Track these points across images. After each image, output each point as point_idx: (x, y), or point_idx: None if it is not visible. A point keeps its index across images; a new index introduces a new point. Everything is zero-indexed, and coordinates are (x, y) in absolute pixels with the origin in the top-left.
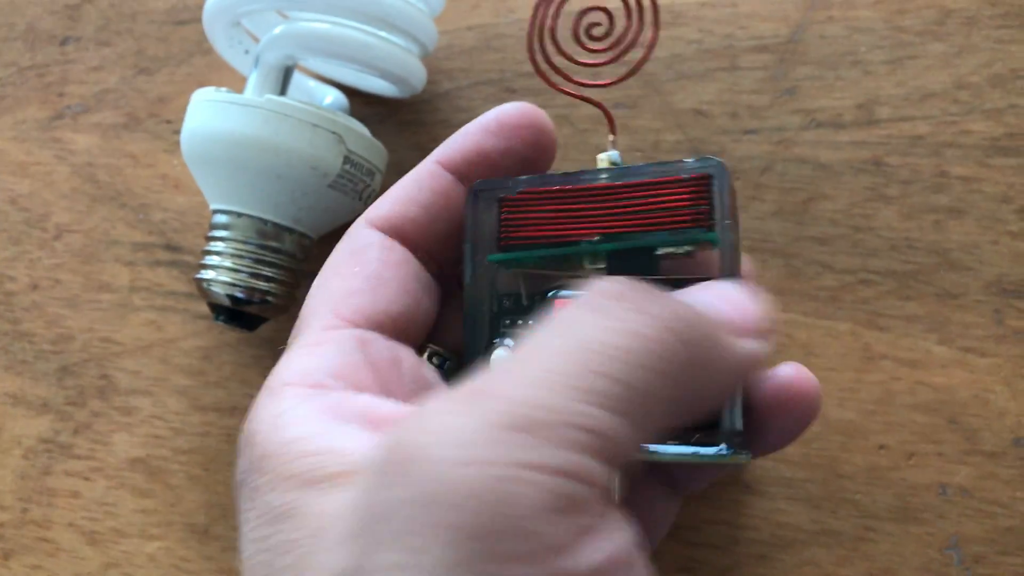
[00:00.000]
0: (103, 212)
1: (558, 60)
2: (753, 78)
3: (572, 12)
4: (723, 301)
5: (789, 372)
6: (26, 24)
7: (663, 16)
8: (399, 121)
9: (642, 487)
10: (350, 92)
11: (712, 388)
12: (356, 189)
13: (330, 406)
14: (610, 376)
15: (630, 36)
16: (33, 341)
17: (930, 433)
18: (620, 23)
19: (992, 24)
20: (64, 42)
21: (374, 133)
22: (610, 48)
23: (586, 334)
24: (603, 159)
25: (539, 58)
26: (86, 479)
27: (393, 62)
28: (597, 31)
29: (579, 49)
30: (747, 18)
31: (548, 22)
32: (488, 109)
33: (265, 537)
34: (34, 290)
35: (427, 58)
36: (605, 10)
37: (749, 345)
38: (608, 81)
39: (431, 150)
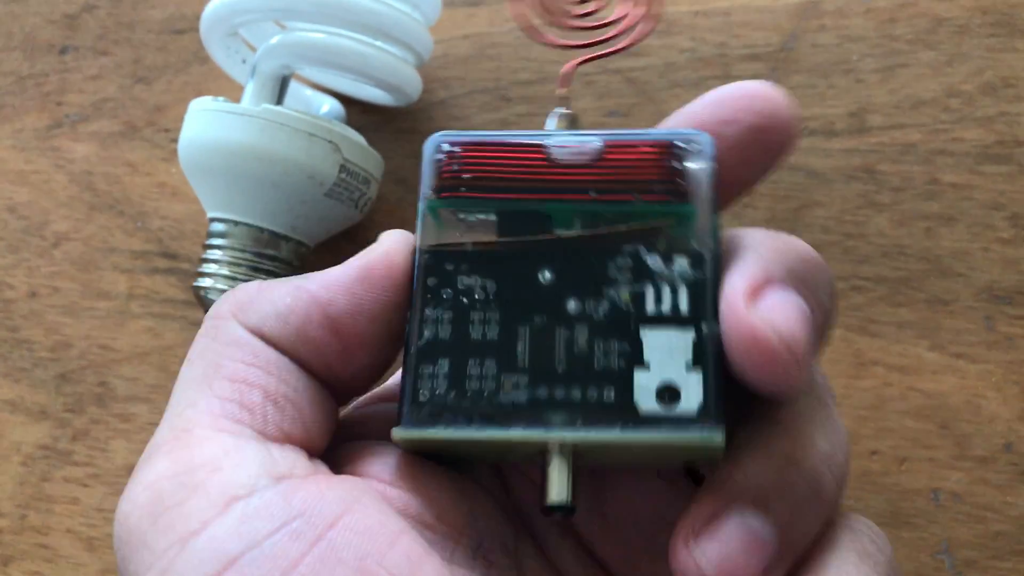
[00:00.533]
0: (101, 220)
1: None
2: None
3: None
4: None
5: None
6: (25, 33)
7: (657, 25)
8: (395, 129)
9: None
10: (346, 101)
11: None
12: (352, 198)
13: None
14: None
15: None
16: (31, 348)
17: (922, 439)
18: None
19: (983, 33)
20: (63, 51)
21: (370, 142)
22: (597, 14)
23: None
24: (555, 115)
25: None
26: (85, 485)
27: (388, 71)
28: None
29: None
30: (740, 27)
31: None
32: (483, 117)
33: None
34: (32, 298)
35: (423, 67)
36: None
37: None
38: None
39: None
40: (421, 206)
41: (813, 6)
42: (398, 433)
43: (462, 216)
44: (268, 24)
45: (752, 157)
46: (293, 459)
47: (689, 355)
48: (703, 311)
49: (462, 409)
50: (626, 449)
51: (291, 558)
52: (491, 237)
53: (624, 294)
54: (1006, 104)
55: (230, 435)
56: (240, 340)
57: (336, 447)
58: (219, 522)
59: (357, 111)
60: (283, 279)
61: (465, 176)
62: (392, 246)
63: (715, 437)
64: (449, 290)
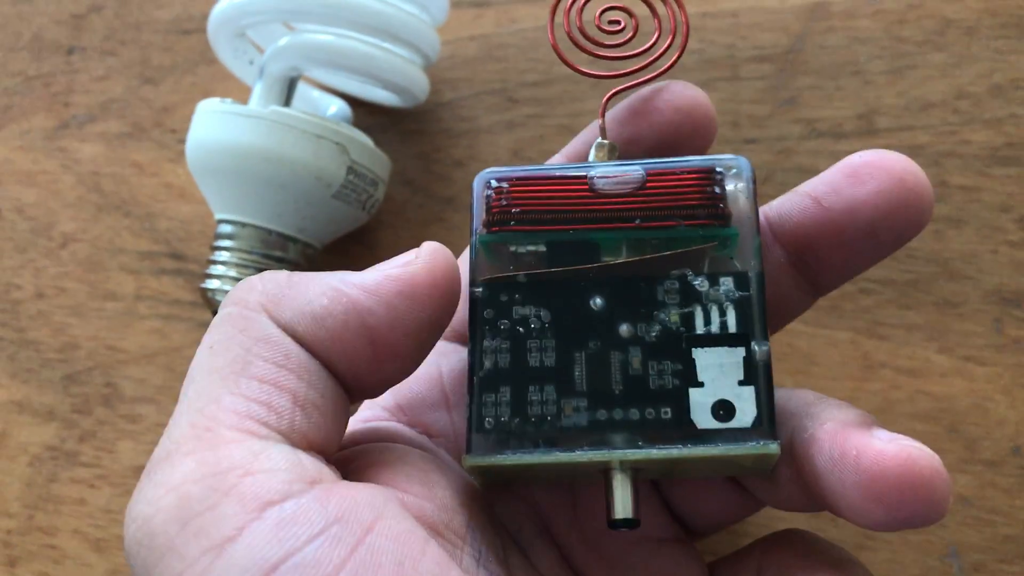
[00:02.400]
0: (108, 221)
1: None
2: (754, 88)
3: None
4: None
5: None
6: (32, 34)
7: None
8: (402, 131)
9: (659, 550)
10: (354, 102)
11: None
12: (359, 199)
13: None
14: (221, 371)
15: (658, 41)
16: (39, 349)
17: (930, 442)
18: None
19: (992, 34)
20: (70, 52)
21: (377, 143)
22: (627, 44)
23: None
24: (597, 146)
25: (559, 34)
26: (92, 486)
27: (396, 73)
28: (615, 27)
29: (598, 38)
30: (748, 28)
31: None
32: (490, 119)
33: None
34: (40, 298)
35: (430, 68)
36: (627, 10)
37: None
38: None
39: (434, 159)
40: (473, 240)
41: (821, 7)
42: (469, 461)
43: (513, 248)
44: (276, 25)
45: (880, 234)
46: (318, 464)
47: (740, 372)
48: (751, 328)
49: (527, 434)
50: (686, 464)
51: (333, 564)
52: (542, 267)
53: (673, 316)
54: (1015, 106)
55: (257, 438)
56: (271, 338)
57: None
58: (255, 528)
59: (364, 112)
60: (313, 274)
61: (514, 211)
62: (436, 264)
63: (771, 447)
64: (506, 320)
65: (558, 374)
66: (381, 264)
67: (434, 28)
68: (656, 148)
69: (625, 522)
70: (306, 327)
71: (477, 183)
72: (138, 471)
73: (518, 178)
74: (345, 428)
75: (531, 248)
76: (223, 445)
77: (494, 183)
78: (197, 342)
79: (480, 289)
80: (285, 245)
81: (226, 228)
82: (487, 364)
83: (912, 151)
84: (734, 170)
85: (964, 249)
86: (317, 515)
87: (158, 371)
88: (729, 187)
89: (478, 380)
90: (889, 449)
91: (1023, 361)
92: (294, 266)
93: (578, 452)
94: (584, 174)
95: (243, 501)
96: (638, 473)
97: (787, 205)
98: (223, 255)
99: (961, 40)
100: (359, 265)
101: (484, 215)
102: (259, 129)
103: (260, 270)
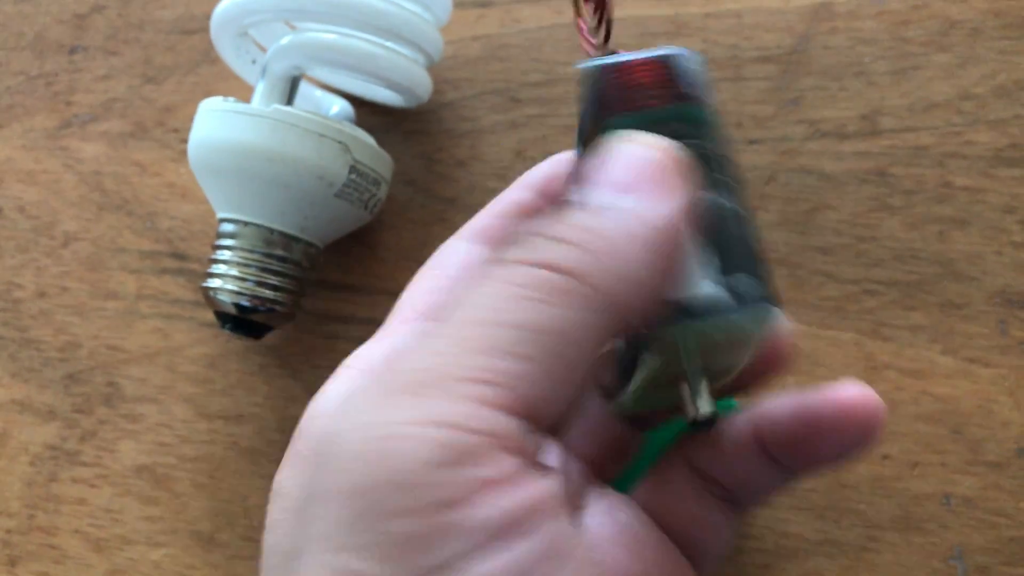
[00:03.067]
0: (110, 220)
1: None
2: (757, 88)
3: None
4: (605, 167)
5: (852, 393)
6: (35, 33)
7: (667, 27)
8: (405, 131)
9: (693, 501)
10: (356, 102)
11: (632, 280)
12: (362, 198)
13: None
14: (508, 324)
15: None
16: (40, 348)
17: (934, 443)
18: None
19: (996, 35)
20: (72, 51)
21: (380, 143)
22: None
23: (484, 296)
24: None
25: None
26: (92, 486)
27: (399, 72)
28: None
29: None
30: (751, 29)
31: None
32: (493, 119)
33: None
34: (41, 298)
35: (432, 68)
36: None
37: (645, 203)
38: None
39: (436, 159)
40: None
41: (825, 8)
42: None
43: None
44: (278, 24)
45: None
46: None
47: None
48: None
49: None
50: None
51: None
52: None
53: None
54: (1020, 107)
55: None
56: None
57: None
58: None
59: (367, 112)
60: None
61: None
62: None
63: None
64: None
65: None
66: None
67: (437, 28)
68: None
69: (710, 419)
70: (620, 287)
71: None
72: (139, 471)
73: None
74: None
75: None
76: None
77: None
78: (199, 342)
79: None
80: (287, 244)
81: (228, 227)
82: None
83: (916, 152)
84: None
85: (968, 250)
86: None
87: (159, 371)
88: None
89: None
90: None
91: None
92: (296, 265)
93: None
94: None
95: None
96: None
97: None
98: (225, 254)
99: (965, 41)
100: (360, 266)
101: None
102: (262, 128)
103: (262, 269)
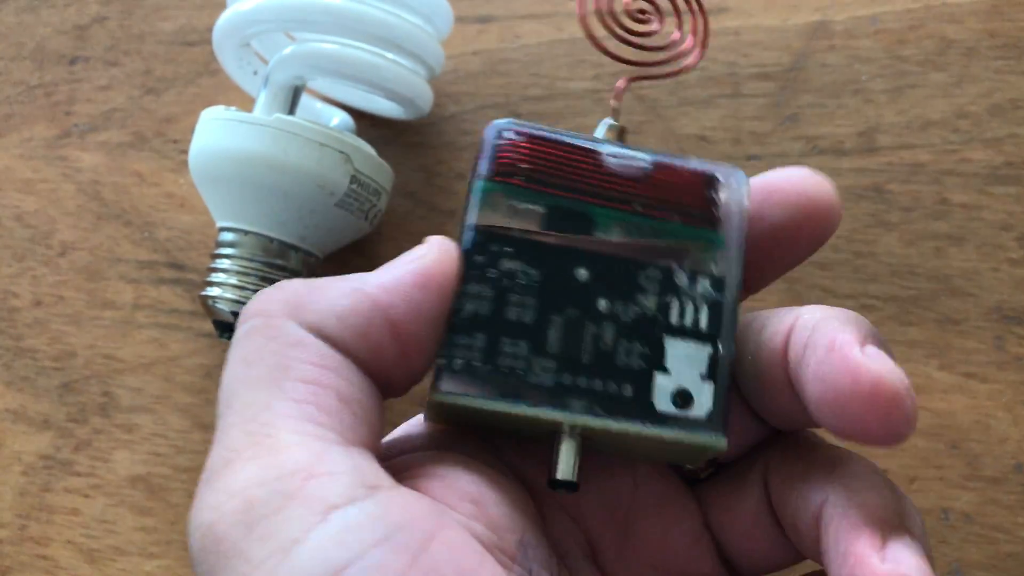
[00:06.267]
0: (108, 230)
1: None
2: (755, 105)
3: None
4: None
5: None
6: (35, 43)
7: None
8: (405, 143)
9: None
10: (357, 114)
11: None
12: (362, 209)
13: None
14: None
15: (679, 39)
16: (35, 357)
17: (931, 458)
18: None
19: (991, 55)
20: (73, 62)
21: (380, 155)
22: (652, 37)
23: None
24: (605, 125)
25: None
26: (86, 496)
27: (401, 83)
28: (643, 16)
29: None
30: (750, 46)
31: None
32: None
33: None
34: (37, 307)
35: (433, 82)
36: (654, 3)
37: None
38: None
39: (436, 172)
40: (478, 185)
41: (823, 27)
42: (436, 397)
43: (512, 203)
44: (280, 35)
45: (793, 243)
46: (374, 466)
47: (704, 367)
48: (718, 330)
49: (494, 382)
50: (637, 441)
51: (396, 571)
52: (535, 227)
53: (651, 302)
54: (1015, 126)
55: (315, 439)
56: (303, 340)
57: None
58: (320, 531)
59: (367, 124)
60: (329, 279)
61: (523, 166)
62: (444, 254)
63: (721, 440)
64: (493, 270)
65: (533, 332)
66: (391, 262)
67: (439, 40)
68: (778, 229)
69: (565, 484)
70: (332, 327)
71: (490, 130)
72: (134, 481)
73: (533, 136)
74: (383, 429)
75: (530, 207)
76: (284, 449)
77: (510, 135)
78: (195, 352)
79: (476, 234)
80: (287, 253)
81: (228, 236)
82: (468, 308)
83: (913, 169)
84: (734, 182)
85: (965, 266)
86: (380, 521)
87: (155, 380)
88: (723, 196)
89: (457, 321)
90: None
91: None
92: (295, 275)
93: (539, 408)
94: (597, 149)
95: (308, 504)
96: (587, 441)
97: None
98: (224, 263)
99: (961, 60)
100: None
101: (492, 164)
102: (263, 136)
103: (262, 278)
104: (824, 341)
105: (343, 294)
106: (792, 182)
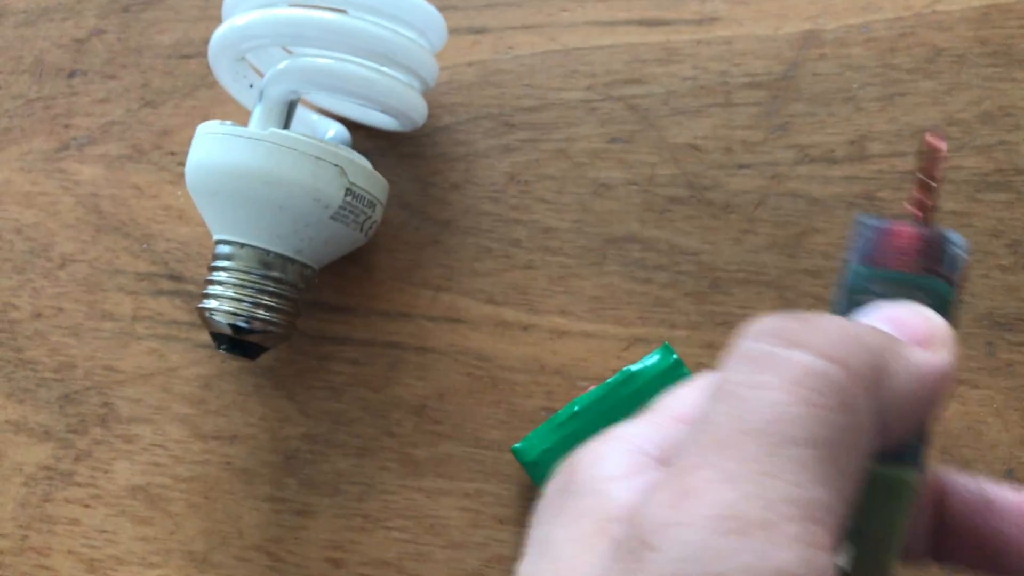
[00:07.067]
0: (107, 242)
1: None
2: (747, 114)
3: None
4: (891, 319)
5: None
6: (34, 57)
7: (659, 53)
8: (400, 154)
9: None
10: (352, 126)
11: (900, 408)
12: (358, 220)
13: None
14: (797, 442)
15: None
16: (36, 369)
17: None
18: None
19: (981, 63)
20: (71, 75)
21: (375, 166)
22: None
23: (756, 404)
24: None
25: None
26: (86, 506)
27: (395, 97)
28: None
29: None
30: (741, 55)
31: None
32: (487, 143)
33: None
34: (37, 318)
35: (428, 93)
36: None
37: (929, 355)
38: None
39: (431, 182)
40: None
41: (814, 35)
42: None
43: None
44: (275, 50)
45: None
46: None
47: None
48: None
49: None
50: None
51: None
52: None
53: None
54: (1004, 133)
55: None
56: (865, 429)
57: None
58: None
59: (362, 136)
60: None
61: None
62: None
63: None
64: None
65: None
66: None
67: (432, 54)
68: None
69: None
70: (891, 418)
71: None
72: (133, 491)
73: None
74: None
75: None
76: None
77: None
78: (194, 362)
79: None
80: (283, 266)
81: (224, 249)
82: None
83: (904, 176)
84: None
85: None
86: None
87: (154, 391)
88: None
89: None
90: None
91: (1016, 384)
92: (292, 287)
93: None
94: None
95: None
96: None
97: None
98: (221, 275)
99: (951, 68)
100: (355, 287)
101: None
102: (258, 150)
103: (258, 290)
104: None
105: (909, 376)
106: None
